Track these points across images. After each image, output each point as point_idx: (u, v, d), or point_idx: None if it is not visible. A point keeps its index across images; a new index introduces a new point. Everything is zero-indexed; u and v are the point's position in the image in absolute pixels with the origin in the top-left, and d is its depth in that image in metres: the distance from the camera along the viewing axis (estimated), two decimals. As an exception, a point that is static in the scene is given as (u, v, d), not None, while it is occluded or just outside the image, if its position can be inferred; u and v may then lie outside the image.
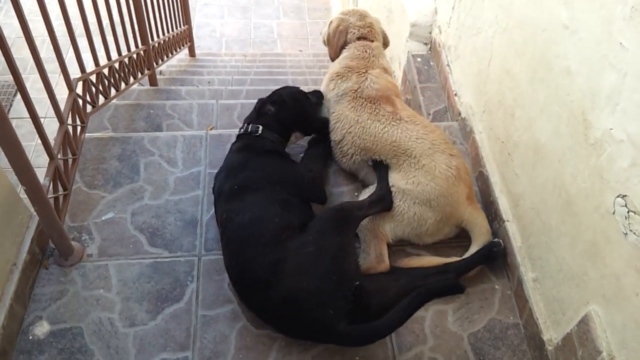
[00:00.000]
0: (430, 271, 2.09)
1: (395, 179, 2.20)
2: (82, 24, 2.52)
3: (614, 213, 1.51)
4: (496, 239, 2.19)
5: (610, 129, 1.51)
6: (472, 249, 2.18)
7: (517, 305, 2.09)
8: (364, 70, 2.46)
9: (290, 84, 4.22)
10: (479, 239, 2.18)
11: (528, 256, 2.06)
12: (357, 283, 1.84)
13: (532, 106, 1.97)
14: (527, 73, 2.00)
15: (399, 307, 1.77)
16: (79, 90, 2.48)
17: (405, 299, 1.80)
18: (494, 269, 2.19)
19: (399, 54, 3.59)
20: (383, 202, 2.16)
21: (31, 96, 1.95)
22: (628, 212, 1.46)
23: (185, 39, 5.25)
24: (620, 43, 1.46)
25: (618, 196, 1.49)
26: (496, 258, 2.17)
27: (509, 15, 2.14)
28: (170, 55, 4.53)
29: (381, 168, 2.29)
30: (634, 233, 1.43)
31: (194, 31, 5.62)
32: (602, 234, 1.58)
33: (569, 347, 1.76)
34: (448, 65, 2.95)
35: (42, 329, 1.97)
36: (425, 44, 3.28)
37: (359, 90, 2.40)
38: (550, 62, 1.82)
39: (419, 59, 3.22)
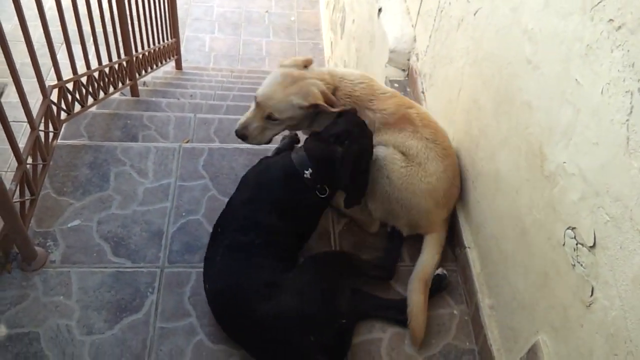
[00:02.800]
0: (390, 304, 2.14)
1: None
2: (62, 32, 2.54)
3: (564, 245, 1.55)
4: (440, 273, 2.23)
5: (564, 162, 1.55)
6: (423, 254, 2.25)
7: (473, 332, 2.12)
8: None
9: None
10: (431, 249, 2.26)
11: (486, 283, 2.09)
12: (344, 321, 1.87)
13: (495, 137, 2.02)
14: (492, 105, 2.05)
15: None
16: (54, 97, 2.49)
17: None
18: (453, 295, 2.22)
19: (378, 79, 3.64)
20: (384, 271, 2.22)
21: (8, 101, 1.97)
22: (577, 244, 1.49)
23: (173, 52, 5.30)
24: (576, 79, 1.51)
25: (568, 228, 1.53)
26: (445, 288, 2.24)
27: (478, 48, 2.20)
28: (155, 66, 4.56)
29: (396, 240, 2.33)
30: (581, 265, 1.47)
31: (183, 45, 5.68)
32: (552, 265, 1.62)
33: (519, 375, 1.79)
34: (423, 92, 3.00)
35: (-1, 332, 1.96)
36: (403, 70, 3.33)
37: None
38: (513, 95, 1.87)
39: (396, 85, 3.27)
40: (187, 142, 2.97)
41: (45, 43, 2.37)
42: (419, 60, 3.10)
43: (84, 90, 2.85)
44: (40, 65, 2.29)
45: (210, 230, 2.19)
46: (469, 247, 2.22)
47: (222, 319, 1.95)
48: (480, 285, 2.10)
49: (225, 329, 1.95)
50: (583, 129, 1.48)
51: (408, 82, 3.28)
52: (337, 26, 6.16)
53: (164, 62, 4.90)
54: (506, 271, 1.92)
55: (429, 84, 2.91)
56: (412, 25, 3.28)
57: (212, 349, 1.97)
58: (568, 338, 1.54)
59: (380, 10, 3.61)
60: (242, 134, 2.30)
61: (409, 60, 3.28)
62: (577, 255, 1.49)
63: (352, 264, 2.15)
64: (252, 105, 2.31)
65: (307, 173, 2.02)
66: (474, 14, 2.27)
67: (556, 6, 1.63)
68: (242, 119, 2.31)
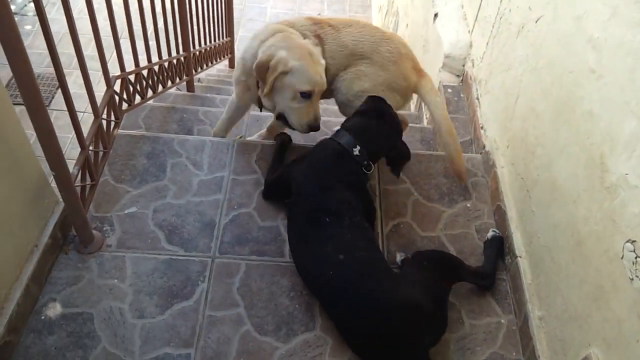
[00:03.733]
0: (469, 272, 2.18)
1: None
2: (127, 26, 2.63)
3: (622, 258, 1.52)
4: (494, 234, 2.36)
5: (626, 174, 1.52)
6: (429, 105, 2.59)
7: (520, 342, 2.09)
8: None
9: (322, 102, 4.29)
10: (428, 97, 2.58)
11: (537, 294, 2.06)
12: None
13: (552, 146, 1.99)
14: (551, 113, 2.02)
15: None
16: (117, 87, 2.58)
17: None
18: (502, 304, 2.19)
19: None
20: (485, 280, 2.21)
21: (73, 91, 2.05)
22: (636, 257, 1.46)
23: (227, 51, 5.39)
24: (643, 90, 1.49)
25: (627, 241, 1.50)
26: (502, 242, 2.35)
27: (539, 55, 2.17)
28: (210, 64, 4.65)
29: (493, 247, 2.32)
30: (640, 279, 1.44)
31: (236, 44, 5.76)
32: (608, 278, 1.59)
33: (567, 388, 1.76)
34: (477, 98, 2.98)
35: (54, 310, 2.04)
36: (458, 75, 3.32)
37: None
38: (574, 104, 1.85)
39: (449, 90, 3.26)
40: (240, 138, 3.03)
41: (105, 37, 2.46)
42: (475, 66, 3.08)
43: (144, 83, 2.94)
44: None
45: (261, 223, 2.23)
46: (520, 257, 2.19)
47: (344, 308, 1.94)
48: (531, 296, 2.07)
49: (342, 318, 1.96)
50: (648, 141, 1.46)
51: (462, 87, 3.26)
52: (389, 30, 6.16)
53: (218, 60, 4.99)
54: (559, 282, 1.89)
55: (484, 90, 2.89)
56: (469, 31, 3.26)
57: (258, 339, 2.00)
58: (622, 353, 1.51)
59: (436, 15, 3.60)
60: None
61: (463, 66, 3.26)
62: (636, 269, 1.46)
63: (456, 268, 2.14)
64: (294, 95, 2.32)
65: (356, 150, 2.19)
66: (536, 22, 2.24)
67: (624, 16, 1.61)
68: (311, 113, 2.37)
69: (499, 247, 2.32)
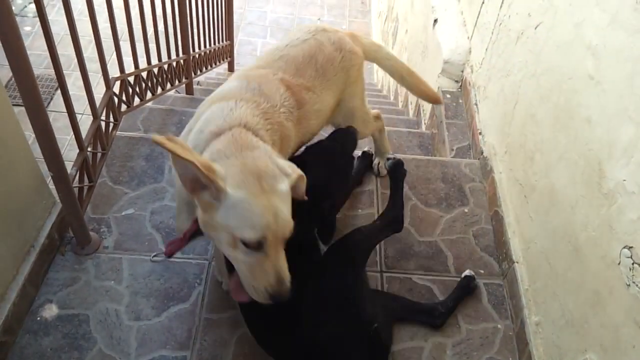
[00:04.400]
0: (420, 307, 2.13)
1: None
2: (127, 28, 2.64)
3: (619, 264, 1.52)
4: (468, 274, 2.24)
5: (624, 180, 1.53)
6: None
7: (517, 347, 2.09)
8: None
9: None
10: (376, 55, 2.36)
11: (533, 299, 2.06)
12: (375, 325, 1.84)
13: (551, 152, 1.99)
14: (550, 119, 2.02)
15: None
16: (116, 89, 2.58)
17: None
18: (499, 310, 2.19)
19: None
20: (394, 224, 2.17)
21: (72, 93, 2.05)
22: (633, 263, 1.47)
23: (226, 54, 5.39)
24: (641, 97, 1.49)
25: (625, 247, 1.50)
26: (474, 290, 2.24)
27: (538, 61, 2.18)
28: (209, 67, 4.65)
29: (398, 179, 2.26)
30: (637, 285, 1.44)
31: (235, 48, 5.76)
32: (605, 284, 1.59)
33: (563, 394, 1.76)
34: (476, 104, 2.99)
35: (50, 312, 2.03)
36: (456, 81, 3.32)
37: None
38: (573, 110, 1.85)
39: (448, 95, 3.27)
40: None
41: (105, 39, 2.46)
42: (474, 72, 3.09)
43: (143, 85, 2.94)
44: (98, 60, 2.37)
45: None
46: (517, 262, 2.19)
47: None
48: (528, 301, 2.07)
49: None
50: (646, 147, 1.46)
51: (461, 93, 3.27)
52: (388, 36, 6.18)
53: (217, 63, 4.99)
54: (556, 288, 1.89)
55: (482, 96, 2.89)
56: (468, 37, 3.27)
57: (254, 343, 1.98)
58: (618, 359, 1.51)
59: (435, 21, 3.61)
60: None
61: (462, 71, 3.27)
62: (633, 275, 1.46)
63: (365, 250, 2.03)
64: (233, 242, 1.46)
65: None
66: (535, 28, 2.25)
67: (623, 23, 1.61)
68: (270, 274, 1.47)
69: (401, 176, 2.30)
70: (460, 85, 3.31)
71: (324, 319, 1.77)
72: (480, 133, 2.86)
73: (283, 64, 1.93)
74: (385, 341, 1.91)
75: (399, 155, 2.61)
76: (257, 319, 1.85)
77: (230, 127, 1.61)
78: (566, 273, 1.83)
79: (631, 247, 1.48)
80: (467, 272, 2.25)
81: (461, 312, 2.16)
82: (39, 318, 2.01)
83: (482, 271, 2.30)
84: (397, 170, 2.30)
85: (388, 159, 2.36)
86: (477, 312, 2.17)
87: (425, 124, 3.66)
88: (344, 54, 2.06)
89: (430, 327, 2.11)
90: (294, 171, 1.56)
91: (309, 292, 1.75)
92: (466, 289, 2.21)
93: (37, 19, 1.84)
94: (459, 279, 2.23)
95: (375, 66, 7.08)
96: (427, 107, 3.66)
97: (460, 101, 3.24)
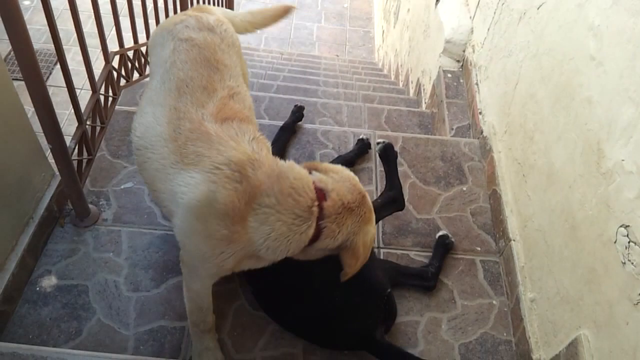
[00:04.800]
0: (412, 271, 2.18)
1: None
2: (127, 4, 2.61)
3: (615, 242, 1.54)
4: (442, 233, 2.32)
5: (622, 160, 1.53)
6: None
7: (512, 323, 2.11)
8: None
9: (321, 85, 4.29)
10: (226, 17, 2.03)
11: (529, 276, 2.08)
12: (389, 291, 1.91)
13: (551, 132, 2.00)
14: (550, 99, 2.03)
15: None
16: (115, 63, 2.57)
17: None
18: (494, 286, 2.22)
19: (430, 68, 3.64)
20: (396, 203, 2.19)
21: (71, 68, 2.04)
22: (629, 242, 1.48)
23: (225, 30, 5.35)
24: (643, 77, 1.49)
25: (621, 226, 1.52)
26: (451, 246, 2.32)
27: (539, 41, 2.17)
28: (208, 42, 4.62)
29: (390, 160, 2.25)
30: (632, 263, 1.46)
31: (234, 23, 5.71)
32: (601, 262, 1.60)
33: (556, 369, 1.79)
34: (477, 84, 2.98)
35: (49, 282, 2.05)
36: (458, 61, 3.31)
37: None
38: (574, 90, 1.85)
39: (449, 75, 3.26)
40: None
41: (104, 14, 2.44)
42: (475, 52, 3.08)
43: (142, 60, 2.93)
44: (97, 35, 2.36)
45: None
46: (514, 240, 2.21)
47: None
48: (523, 278, 2.10)
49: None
50: (645, 127, 1.46)
51: (462, 72, 3.26)
52: (390, 15, 6.14)
53: (217, 39, 4.96)
54: (551, 265, 1.91)
55: (483, 76, 2.89)
56: (470, 17, 3.25)
57: (252, 314, 2.02)
58: (612, 335, 1.53)
59: (437, 0, 3.59)
60: None
61: (464, 51, 3.26)
62: (629, 254, 1.47)
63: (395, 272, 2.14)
64: None
65: None
66: (537, 8, 2.24)
67: (625, 3, 1.61)
68: None
69: (393, 158, 2.29)
70: (462, 65, 3.30)
71: (337, 287, 1.75)
72: (480, 113, 2.86)
73: (188, 96, 1.61)
74: (394, 306, 1.98)
75: (395, 134, 2.62)
76: (269, 289, 1.92)
77: None
78: (562, 251, 1.84)
79: (628, 225, 1.49)
80: (440, 232, 2.34)
81: (457, 288, 2.19)
82: (38, 288, 2.02)
83: (478, 248, 2.32)
84: (388, 153, 2.30)
85: (378, 143, 2.31)
86: (472, 288, 2.20)
87: (425, 103, 3.66)
88: (220, 33, 1.81)
89: (424, 291, 2.16)
90: None
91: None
92: (445, 246, 2.29)
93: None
94: (455, 256, 2.25)
95: (376, 46, 7.06)
96: (427, 86, 3.66)
97: (461, 81, 3.23)
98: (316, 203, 1.50)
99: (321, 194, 1.52)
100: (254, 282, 2.00)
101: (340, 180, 1.60)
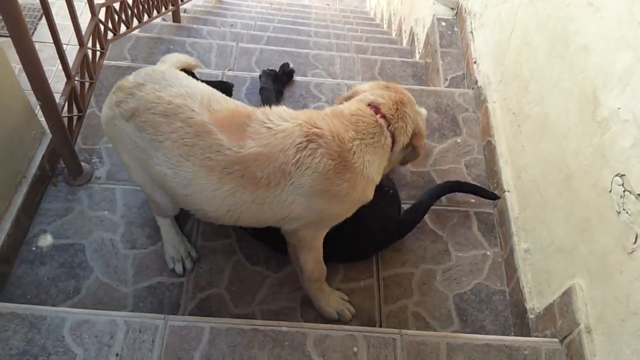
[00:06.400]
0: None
1: None
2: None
3: (610, 191, 1.54)
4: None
5: (618, 108, 1.52)
6: None
7: (505, 273, 2.14)
8: None
9: (313, 35, 4.22)
10: None
11: (523, 227, 2.10)
12: (391, 191, 2.11)
13: (546, 81, 1.97)
14: (546, 47, 1.99)
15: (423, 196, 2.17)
16: (102, 16, 2.50)
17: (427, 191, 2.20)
18: (488, 237, 2.23)
19: (424, 17, 3.56)
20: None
21: (56, 22, 1.98)
22: (624, 191, 1.48)
23: (213, -20, 5.22)
24: (640, 23, 1.46)
25: (616, 175, 1.51)
26: None
27: (536, -13, 2.12)
28: (196, -6, 4.52)
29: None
30: (627, 212, 1.46)
31: (223, -27, 5.58)
32: (595, 211, 1.61)
33: (550, 317, 1.81)
34: (471, 32, 2.93)
35: (45, 241, 2.05)
36: (452, 8, 3.25)
37: None
38: (569, 38, 1.82)
39: (443, 23, 3.20)
40: (229, 70, 2.97)
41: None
42: (469, -1, 3.02)
43: (129, 12, 2.85)
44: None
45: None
46: (508, 191, 2.21)
47: None
48: (517, 229, 2.11)
49: None
50: (643, 75, 1.44)
51: (457, 20, 3.20)
52: (382, -38, 5.98)
53: (205, -11, 4.85)
54: (545, 216, 1.92)
55: (478, 23, 2.83)
56: (465, -38, 3.17)
57: (249, 269, 2.04)
58: (605, 283, 1.56)
59: (431, -55, 3.49)
60: None
61: (458, -2, 3.19)
62: (624, 203, 1.48)
63: None
64: None
65: None
66: (534, -48, 2.18)
67: (625, -54, 1.56)
68: None
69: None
70: (456, 13, 3.23)
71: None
72: (475, 62, 2.82)
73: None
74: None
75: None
76: None
77: None
78: (556, 201, 1.85)
79: (623, 174, 1.49)
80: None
81: (451, 239, 2.20)
82: (34, 248, 2.02)
83: (472, 200, 2.33)
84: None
85: None
86: (467, 239, 2.21)
87: (419, 53, 3.61)
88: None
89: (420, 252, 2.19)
90: None
91: None
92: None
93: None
94: (449, 208, 2.26)
95: (367, -6, 6.90)
96: (421, 35, 3.60)
97: (456, 29, 3.17)
98: (378, 115, 1.72)
99: (373, 107, 1.74)
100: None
101: (370, 89, 1.84)
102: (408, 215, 2.15)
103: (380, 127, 1.71)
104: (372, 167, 1.68)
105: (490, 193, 2.27)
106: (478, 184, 2.32)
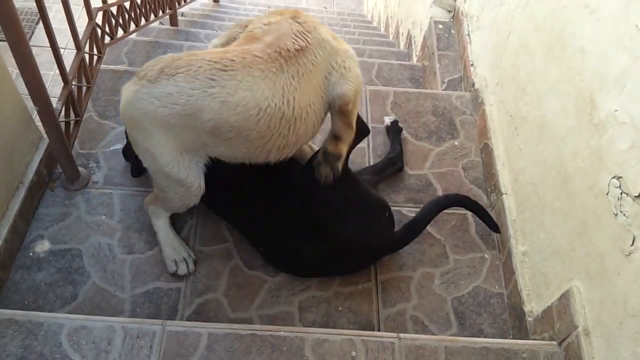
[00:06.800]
0: (381, 165, 2.38)
1: None
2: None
3: (607, 194, 1.54)
4: (388, 121, 2.54)
5: (615, 110, 1.52)
6: None
7: (503, 276, 2.14)
8: None
9: (310, 39, 4.20)
10: None
11: (520, 230, 2.10)
12: (387, 213, 2.05)
13: (543, 83, 1.98)
14: (543, 50, 1.99)
15: (426, 208, 2.13)
16: (99, 20, 2.50)
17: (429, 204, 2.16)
18: (486, 240, 2.23)
19: (421, 20, 3.57)
20: (395, 164, 2.37)
21: (54, 26, 1.98)
22: (621, 193, 1.48)
23: (211, -16, 5.23)
24: (636, 25, 1.46)
25: (614, 177, 1.51)
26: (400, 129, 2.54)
27: (532, -11, 2.13)
28: (193, -3, 4.52)
29: (395, 132, 2.47)
30: (624, 214, 1.46)
31: (219, -24, 5.58)
32: (593, 213, 1.61)
33: (548, 319, 1.81)
34: (468, 34, 2.93)
35: (42, 247, 2.04)
36: (449, 11, 3.25)
37: None
38: (566, 40, 1.82)
39: (440, 26, 3.20)
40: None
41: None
42: (466, 1, 3.01)
43: (126, 16, 2.85)
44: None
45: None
46: (505, 194, 2.21)
47: None
48: (515, 232, 2.11)
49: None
50: (639, 77, 1.44)
51: (454, 23, 3.20)
52: (379, -35, 5.99)
53: (202, -7, 4.85)
54: (543, 218, 1.92)
55: (475, 26, 2.84)
56: (461, -35, 3.17)
57: (247, 273, 2.03)
58: (603, 286, 1.55)
59: (427, -52, 3.49)
60: None
61: (455, 1, 3.19)
62: (621, 205, 1.48)
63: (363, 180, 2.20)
64: None
65: None
66: (530, -46, 2.18)
67: (620, -52, 1.56)
68: None
69: (398, 130, 2.51)
70: (453, 15, 3.24)
71: (347, 217, 1.95)
72: (472, 65, 2.82)
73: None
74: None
75: (386, 89, 2.59)
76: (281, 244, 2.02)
77: None
78: (554, 203, 1.85)
79: (620, 177, 1.49)
80: (387, 120, 2.54)
81: (449, 242, 2.20)
82: (31, 253, 2.02)
83: (471, 203, 2.33)
84: (394, 128, 2.51)
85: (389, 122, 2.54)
86: (465, 242, 2.21)
87: (416, 55, 3.61)
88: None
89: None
90: None
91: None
92: (397, 129, 2.50)
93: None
94: (447, 211, 2.25)
95: (364, -4, 6.91)
96: (418, 38, 3.60)
97: (453, 32, 3.18)
98: None
99: None
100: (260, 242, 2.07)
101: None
102: (407, 231, 2.10)
103: None
104: None
105: (494, 223, 2.20)
106: (486, 210, 2.22)
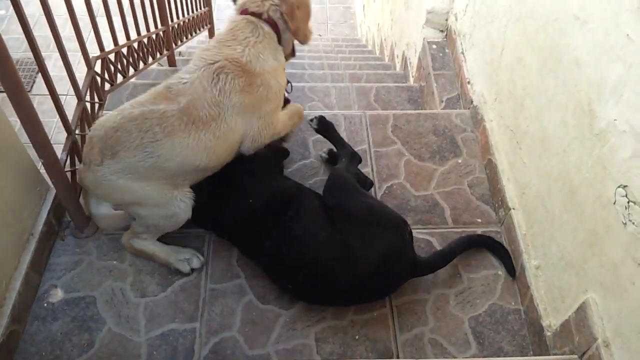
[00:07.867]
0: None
1: None
2: (102, 4, 2.57)
3: (614, 203, 1.53)
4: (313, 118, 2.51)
5: (614, 119, 1.53)
6: None
7: (519, 292, 2.12)
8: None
9: (307, 67, 4.26)
10: None
11: (532, 244, 2.09)
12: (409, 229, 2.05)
13: (541, 96, 1.99)
14: (537, 63, 2.01)
15: (453, 243, 2.15)
16: (98, 68, 2.54)
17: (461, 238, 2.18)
18: (498, 256, 2.22)
19: (414, 41, 3.61)
20: (355, 157, 2.40)
21: (53, 74, 2.01)
22: (628, 202, 1.48)
23: (206, 21, 5.28)
24: (627, 35, 1.47)
25: (619, 186, 1.51)
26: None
27: (522, 4, 2.15)
28: (190, 36, 4.57)
29: (329, 130, 2.47)
30: (633, 223, 1.46)
31: (214, 14, 5.65)
32: (602, 224, 1.61)
33: (567, 333, 1.79)
34: (462, 53, 2.96)
35: (56, 297, 2.05)
36: (441, 31, 3.28)
37: None
38: (560, 52, 1.84)
39: (434, 46, 3.23)
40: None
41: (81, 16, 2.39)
42: (458, 20, 3.05)
43: (125, 61, 2.89)
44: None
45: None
46: (513, 208, 2.21)
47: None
48: (526, 246, 2.10)
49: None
50: (635, 85, 1.45)
51: (447, 42, 3.24)
52: (370, -11, 6.07)
53: (197, 31, 4.90)
54: (553, 231, 1.91)
55: (469, 44, 2.86)
56: (450, -15, 3.22)
57: (261, 308, 2.03)
58: (619, 296, 1.54)
59: (416, -30, 3.55)
60: None
61: (447, 20, 3.23)
62: (629, 214, 1.48)
63: (351, 178, 2.23)
64: None
65: None
66: (517, -30, 2.21)
67: (605, -42, 1.58)
68: None
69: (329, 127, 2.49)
70: (446, 35, 3.27)
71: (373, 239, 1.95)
72: (468, 82, 2.85)
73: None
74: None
75: (386, 112, 2.60)
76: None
77: None
78: (562, 216, 1.84)
79: (625, 185, 1.49)
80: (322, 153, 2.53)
81: (461, 261, 2.19)
82: (45, 304, 2.03)
83: (479, 220, 2.33)
84: (325, 126, 2.49)
85: (311, 120, 2.50)
86: (477, 260, 2.20)
87: (412, 76, 3.64)
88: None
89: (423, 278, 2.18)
90: None
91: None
92: (322, 127, 2.48)
93: (10, 1, 1.79)
94: (456, 230, 2.26)
95: (358, 21, 6.99)
96: (413, 59, 3.63)
97: (447, 51, 3.21)
98: (246, 15, 2.03)
99: (242, 11, 2.06)
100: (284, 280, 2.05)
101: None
102: (437, 258, 2.13)
103: (252, 23, 2.01)
104: (269, 59, 2.01)
105: (512, 267, 2.18)
106: (508, 251, 2.22)
